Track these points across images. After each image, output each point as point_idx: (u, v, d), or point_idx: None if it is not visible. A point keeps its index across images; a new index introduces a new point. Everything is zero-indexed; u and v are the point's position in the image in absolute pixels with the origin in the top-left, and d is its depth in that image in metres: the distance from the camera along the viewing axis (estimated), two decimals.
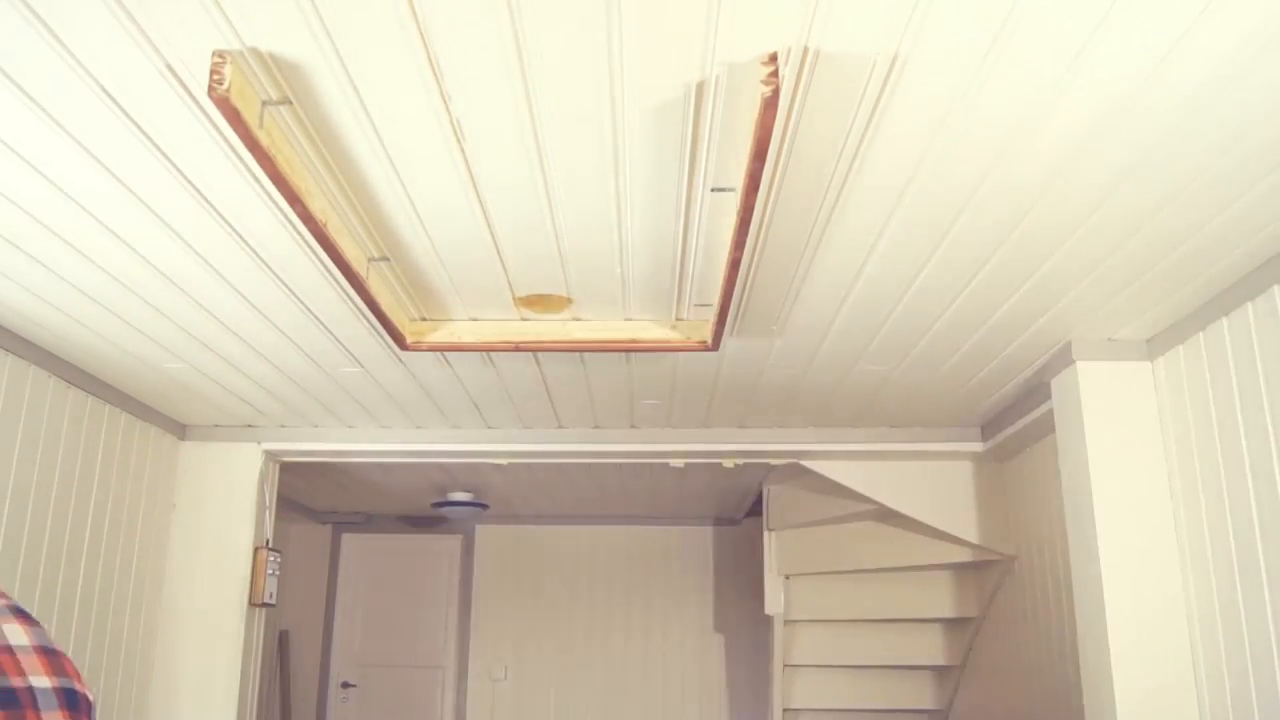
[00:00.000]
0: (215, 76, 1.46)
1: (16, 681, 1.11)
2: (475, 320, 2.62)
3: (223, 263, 2.26)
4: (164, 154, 1.79)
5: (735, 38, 1.44)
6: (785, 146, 1.75)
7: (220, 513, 3.76)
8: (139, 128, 1.71)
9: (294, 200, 1.78)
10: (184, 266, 2.28)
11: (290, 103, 1.61)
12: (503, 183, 1.89)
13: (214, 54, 1.47)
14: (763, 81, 1.48)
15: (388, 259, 2.23)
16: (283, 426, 3.77)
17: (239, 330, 2.71)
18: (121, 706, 3.43)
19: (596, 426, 3.70)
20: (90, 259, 2.24)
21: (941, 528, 3.81)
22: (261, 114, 1.59)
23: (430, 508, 5.54)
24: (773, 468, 4.36)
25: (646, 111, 1.64)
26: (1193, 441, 2.52)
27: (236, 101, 1.49)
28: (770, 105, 1.49)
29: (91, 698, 1.06)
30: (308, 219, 1.86)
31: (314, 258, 2.22)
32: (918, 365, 2.95)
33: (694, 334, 2.59)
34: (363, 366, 3.03)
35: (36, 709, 1.07)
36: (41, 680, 1.07)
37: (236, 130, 1.56)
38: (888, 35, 1.44)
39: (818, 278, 2.33)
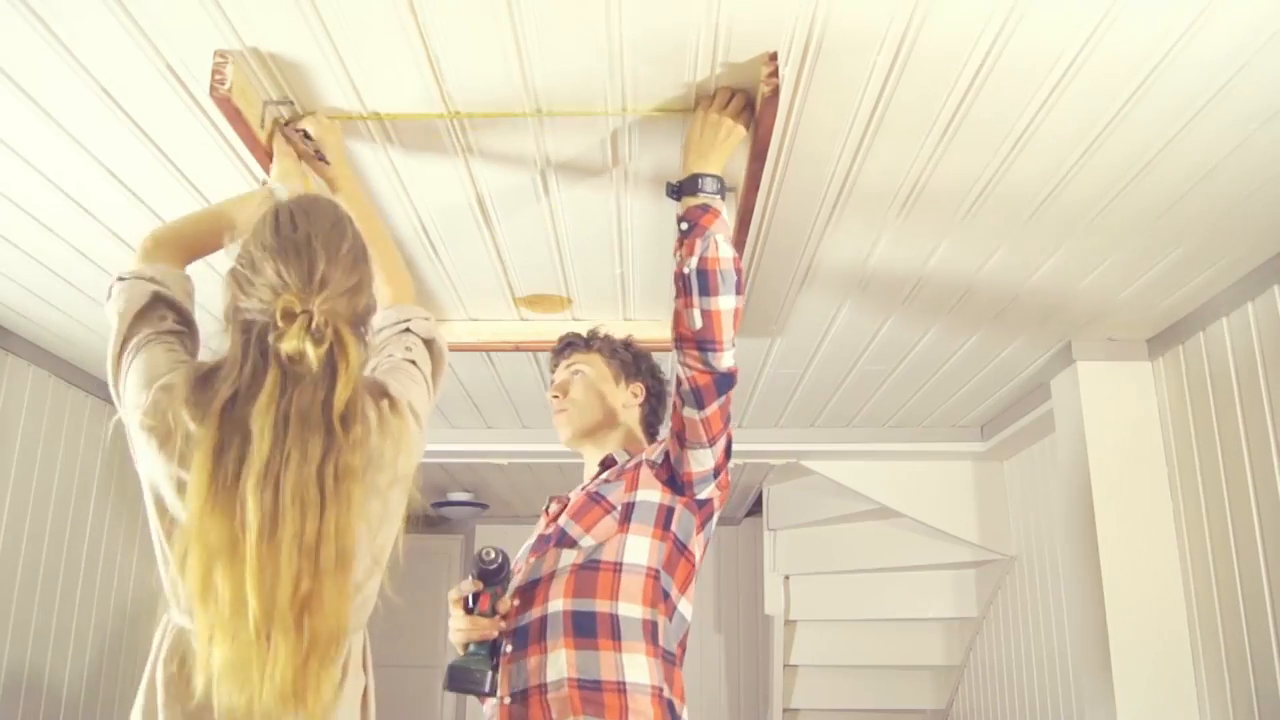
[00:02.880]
0: (217, 76, 1.46)
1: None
2: (475, 320, 2.63)
3: (223, 262, 2.25)
4: (164, 154, 1.79)
5: (737, 37, 1.44)
6: (785, 146, 1.75)
7: None
8: (139, 128, 1.71)
9: None
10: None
11: (291, 102, 1.61)
12: (502, 182, 1.89)
13: (215, 54, 1.47)
14: (763, 81, 1.48)
15: None
16: None
17: None
18: (122, 707, 3.42)
19: None
20: (90, 259, 2.24)
21: (941, 528, 3.80)
22: (263, 114, 1.59)
23: (430, 508, 5.54)
24: (773, 468, 4.36)
25: (647, 111, 1.64)
26: (1193, 441, 2.52)
27: (238, 101, 1.49)
28: (770, 105, 1.50)
29: None
30: None
31: None
32: (918, 365, 2.95)
33: None
34: None
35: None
36: None
37: (238, 130, 1.57)
38: (890, 33, 1.44)
39: (818, 277, 2.33)
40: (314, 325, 1.14)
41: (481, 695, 1.52)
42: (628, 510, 1.58)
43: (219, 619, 1.09)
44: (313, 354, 1.13)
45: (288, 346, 1.12)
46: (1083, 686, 2.78)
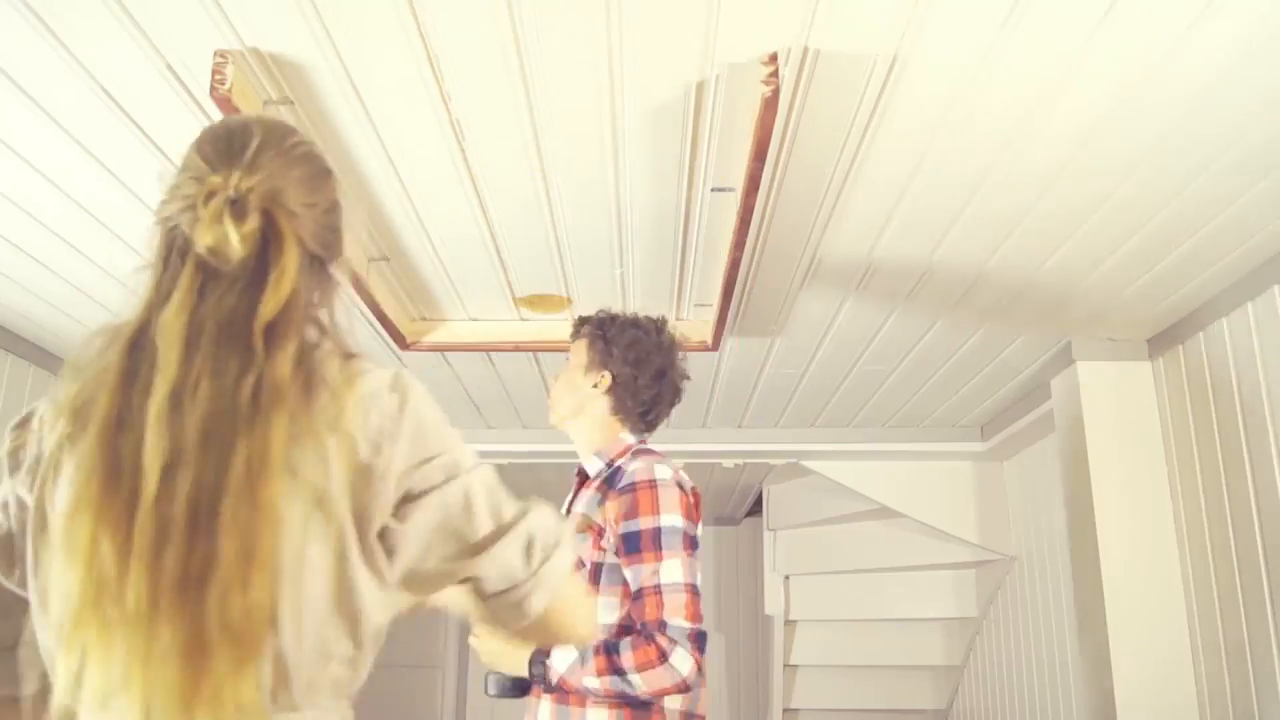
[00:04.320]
0: (217, 76, 1.46)
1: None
2: (475, 320, 2.63)
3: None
4: (164, 154, 1.79)
5: (735, 38, 1.44)
6: (785, 146, 1.75)
7: None
8: (139, 127, 1.71)
9: None
10: None
11: (291, 102, 1.61)
12: (502, 182, 1.89)
13: (216, 54, 1.47)
14: (763, 81, 1.48)
15: (387, 259, 2.23)
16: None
17: None
18: None
19: None
20: (90, 259, 2.24)
21: (941, 528, 3.80)
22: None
23: None
24: (773, 468, 4.36)
25: (646, 111, 1.64)
26: (1193, 441, 2.52)
27: (238, 101, 1.49)
28: (770, 105, 1.50)
29: None
30: None
31: None
32: (918, 365, 2.95)
33: (694, 334, 2.59)
34: None
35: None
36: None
37: None
38: (889, 33, 1.44)
39: (817, 277, 2.33)
40: (237, 198, 0.88)
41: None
42: (596, 571, 1.65)
43: (91, 595, 0.79)
44: (235, 237, 0.86)
45: (206, 235, 0.86)
46: (1082, 687, 2.78)
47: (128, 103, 1.63)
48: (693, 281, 2.37)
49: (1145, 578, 2.58)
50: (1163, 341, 2.64)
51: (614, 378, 1.83)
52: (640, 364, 1.83)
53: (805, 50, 1.47)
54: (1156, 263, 2.21)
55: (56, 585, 0.82)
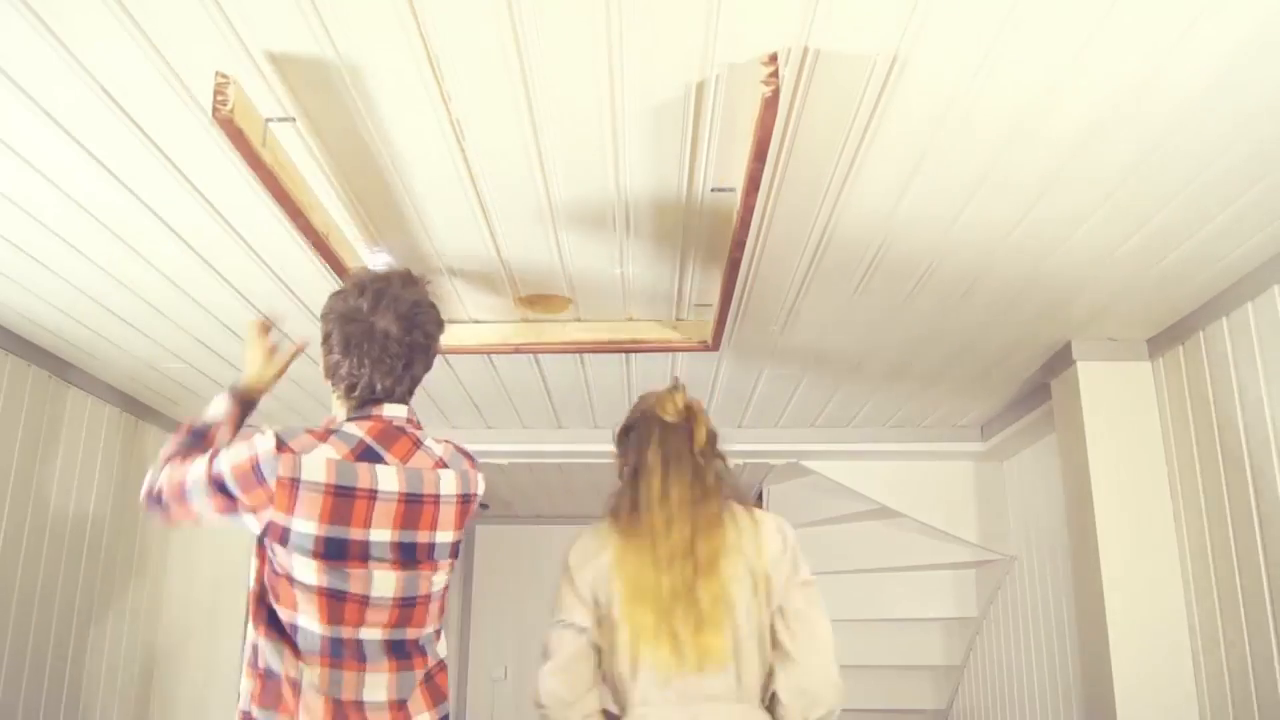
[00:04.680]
0: (219, 97, 1.47)
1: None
2: (476, 322, 2.62)
3: (222, 262, 2.26)
4: (165, 155, 1.79)
5: (735, 38, 1.44)
6: (785, 146, 1.75)
7: None
8: (141, 129, 1.71)
9: (296, 214, 1.79)
10: (184, 266, 2.28)
11: (293, 120, 1.62)
12: (503, 183, 1.89)
13: (217, 74, 1.48)
14: (763, 81, 1.48)
15: (389, 260, 2.22)
16: (283, 426, 3.76)
17: (239, 330, 2.71)
18: (122, 704, 3.43)
19: (596, 426, 3.70)
20: (90, 259, 2.24)
21: (941, 528, 3.80)
22: (264, 132, 1.60)
23: None
24: (773, 468, 4.36)
25: (646, 112, 1.64)
26: (1193, 441, 2.52)
27: (240, 122, 1.50)
28: (770, 105, 1.50)
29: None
30: (309, 231, 1.87)
31: (314, 256, 2.22)
32: (917, 366, 2.95)
33: (694, 334, 2.59)
34: None
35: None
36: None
37: (240, 150, 1.57)
38: (889, 33, 1.44)
39: (817, 277, 2.33)
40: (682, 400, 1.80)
41: None
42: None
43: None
44: (681, 406, 1.80)
45: (668, 409, 1.77)
46: (1082, 687, 2.78)
47: (128, 103, 1.63)
48: (693, 281, 2.37)
49: (1145, 578, 2.58)
50: (1163, 341, 2.64)
51: (323, 358, 1.60)
52: (329, 337, 1.57)
53: (805, 50, 1.47)
54: (1156, 263, 2.21)
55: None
